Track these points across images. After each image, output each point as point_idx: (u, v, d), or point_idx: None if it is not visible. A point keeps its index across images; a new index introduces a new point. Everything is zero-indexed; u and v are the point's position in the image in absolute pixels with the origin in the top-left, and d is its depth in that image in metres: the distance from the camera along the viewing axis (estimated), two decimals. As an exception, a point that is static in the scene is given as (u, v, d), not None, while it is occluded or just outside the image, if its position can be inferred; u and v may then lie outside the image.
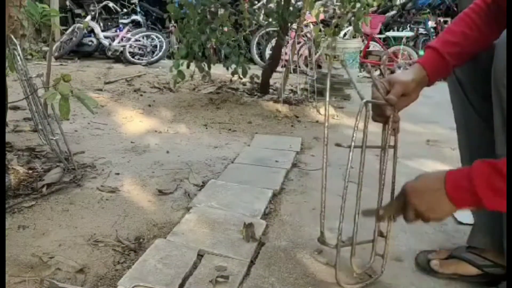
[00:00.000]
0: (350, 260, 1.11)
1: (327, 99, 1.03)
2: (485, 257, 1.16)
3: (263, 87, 3.81)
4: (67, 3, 6.95)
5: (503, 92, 0.90)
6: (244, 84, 4.08)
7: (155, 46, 6.06)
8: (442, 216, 0.93)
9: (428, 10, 6.54)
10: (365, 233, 1.15)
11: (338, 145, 1.04)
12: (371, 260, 1.15)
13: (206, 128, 2.82)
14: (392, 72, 5.14)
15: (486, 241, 1.17)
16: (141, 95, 3.74)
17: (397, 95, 1.01)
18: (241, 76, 3.59)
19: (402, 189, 0.98)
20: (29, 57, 5.55)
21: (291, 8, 3.46)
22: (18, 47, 1.87)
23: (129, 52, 5.98)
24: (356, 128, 1.01)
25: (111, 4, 6.45)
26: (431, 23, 6.40)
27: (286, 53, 4.19)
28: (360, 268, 1.14)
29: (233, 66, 3.50)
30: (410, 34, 5.84)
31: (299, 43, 4.32)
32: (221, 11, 3.37)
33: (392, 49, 5.26)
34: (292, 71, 3.73)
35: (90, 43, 6.25)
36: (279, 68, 4.07)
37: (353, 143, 1.02)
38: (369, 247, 1.17)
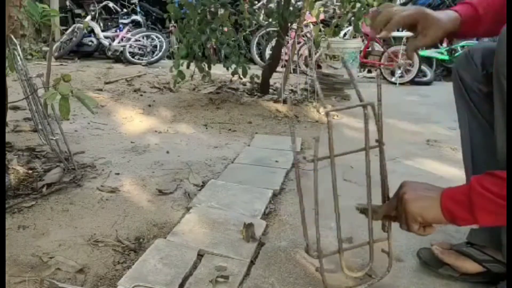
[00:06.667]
0: (340, 264, 1.07)
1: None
2: (485, 252, 1.17)
3: (263, 87, 3.81)
4: (67, 3, 6.97)
5: (503, 81, 0.92)
6: (244, 84, 4.09)
7: (155, 46, 6.06)
8: (429, 221, 0.93)
9: (428, 10, 6.53)
10: (365, 233, 1.14)
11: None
12: (369, 262, 1.15)
13: (206, 128, 2.82)
14: (392, 72, 5.13)
15: (485, 238, 1.18)
16: (141, 95, 3.74)
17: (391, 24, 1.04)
18: (241, 76, 3.58)
19: (399, 187, 0.98)
20: (29, 57, 5.55)
21: (291, 8, 3.46)
22: (18, 47, 1.87)
23: (129, 52, 5.98)
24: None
25: (111, 4, 6.46)
26: (431, 23, 6.39)
27: (286, 53, 4.19)
28: (359, 271, 1.14)
29: (233, 66, 3.50)
30: (410, 34, 5.83)
31: (299, 43, 4.33)
32: (221, 11, 3.37)
33: (392, 49, 5.25)
34: (292, 71, 3.72)
35: (90, 43, 6.26)
36: (279, 68, 4.07)
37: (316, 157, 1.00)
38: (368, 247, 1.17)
